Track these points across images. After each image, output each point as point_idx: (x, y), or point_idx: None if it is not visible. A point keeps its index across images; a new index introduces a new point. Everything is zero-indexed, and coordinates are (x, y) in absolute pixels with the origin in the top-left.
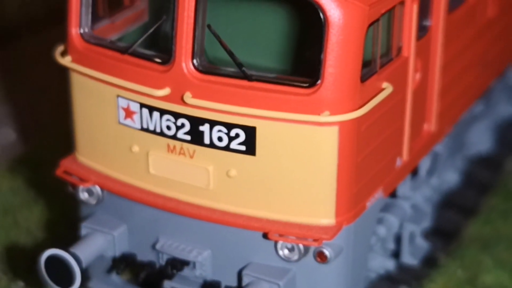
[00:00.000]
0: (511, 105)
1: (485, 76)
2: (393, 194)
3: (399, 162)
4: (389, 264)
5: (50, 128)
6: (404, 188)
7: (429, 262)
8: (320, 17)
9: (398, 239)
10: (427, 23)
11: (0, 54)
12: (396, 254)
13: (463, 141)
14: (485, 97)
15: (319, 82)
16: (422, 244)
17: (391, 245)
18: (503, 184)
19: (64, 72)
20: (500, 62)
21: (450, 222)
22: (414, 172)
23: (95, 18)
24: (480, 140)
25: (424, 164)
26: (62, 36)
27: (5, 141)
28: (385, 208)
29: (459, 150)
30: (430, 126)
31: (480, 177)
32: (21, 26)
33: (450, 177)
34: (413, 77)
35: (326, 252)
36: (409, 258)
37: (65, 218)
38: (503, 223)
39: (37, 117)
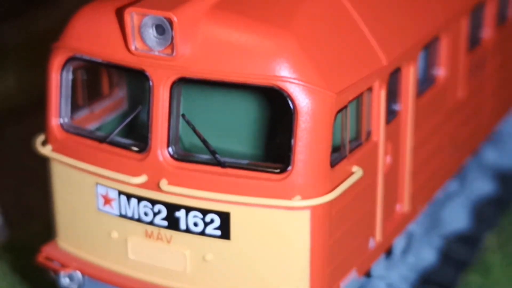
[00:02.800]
0: (485, 182)
1: (458, 155)
2: (368, 274)
3: (372, 243)
4: None
5: (36, 214)
6: (378, 267)
7: None
8: (289, 105)
9: None
10: (396, 107)
11: None
12: None
13: (439, 219)
14: (460, 175)
15: (289, 168)
16: None
17: None
18: (480, 260)
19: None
20: (473, 140)
21: None
22: (389, 252)
23: (75, 108)
24: (456, 218)
25: (399, 244)
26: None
27: None
28: None
29: (435, 228)
30: (402, 206)
31: (457, 254)
32: (6, 115)
33: (427, 255)
34: (383, 160)
35: None
36: None
37: None
38: None
39: (24, 203)
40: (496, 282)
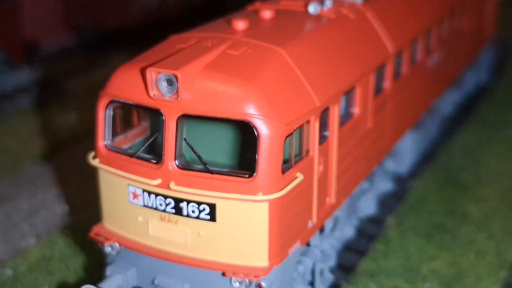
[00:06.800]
0: (387, 183)
1: (368, 165)
2: (308, 244)
3: (310, 224)
4: None
5: (91, 204)
6: (315, 240)
7: None
8: (254, 132)
9: (313, 273)
10: (326, 133)
11: (54, 163)
12: (312, 283)
13: (356, 207)
14: (370, 178)
15: (255, 174)
16: (329, 276)
17: (308, 277)
18: (384, 234)
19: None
20: (378, 155)
21: (348, 260)
22: (322, 229)
23: (114, 134)
24: (368, 206)
25: (328, 224)
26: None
27: (61, 213)
28: (303, 253)
29: (353, 213)
30: (331, 199)
31: (368, 231)
32: (70, 140)
33: (348, 231)
34: (317, 169)
35: (263, 284)
36: (321, 286)
37: (99, 263)
38: (383, 260)
39: (83, 197)
40: (393, 249)
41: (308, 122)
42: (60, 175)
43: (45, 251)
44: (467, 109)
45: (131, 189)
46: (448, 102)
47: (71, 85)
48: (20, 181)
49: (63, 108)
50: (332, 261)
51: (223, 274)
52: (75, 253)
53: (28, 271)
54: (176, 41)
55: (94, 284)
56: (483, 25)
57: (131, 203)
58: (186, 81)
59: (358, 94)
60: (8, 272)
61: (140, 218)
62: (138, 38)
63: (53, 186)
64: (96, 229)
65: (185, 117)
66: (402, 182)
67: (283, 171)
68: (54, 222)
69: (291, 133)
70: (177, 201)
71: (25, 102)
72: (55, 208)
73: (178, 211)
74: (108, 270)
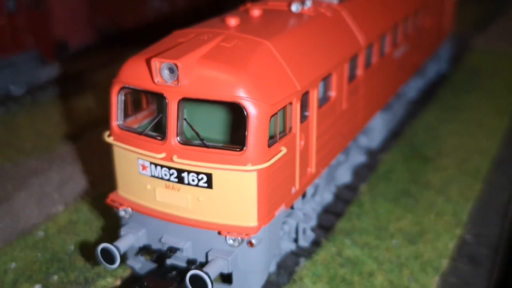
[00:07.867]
0: (360, 155)
1: (344, 140)
2: (292, 207)
3: (293, 190)
4: (292, 246)
5: (109, 176)
6: (298, 203)
7: (315, 244)
8: (244, 113)
9: (296, 232)
10: (306, 113)
11: (79, 142)
12: (295, 240)
13: (334, 176)
14: (346, 151)
15: (245, 148)
16: (310, 234)
17: (292, 235)
18: (357, 199)
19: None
20: (352, 132)
21: (327, 221)
22: (304, 195)
23: (126, 115)
24: (344, 175)
25: (309, 190)
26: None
27: (86, 184)
28: (287, 215)
29: (331, 181)
30: (311, 169)
31: (344, 196)
32: (90, 123)
33: (327, 196)
34: (299, 144)
35: (253, 241)
36: (303, 242)
37: (116, 225)
38: (357, 221)
39: (103, 170)
40: (366, 211)
41: (290, 103)
42: (84, 152)
43: (72, 216)
44: (428, 94)
45: (140, 162)
46: (413, 87)
47: (94, 78)
48: (51, 157)
49: (87, 97)
50: (313, 222)
51: (219, 233)
52: (97, 217)
53: (57, 233)
54: (178, 36)
55: (111, 243)
56: (443, 22)
57: (140, 173)
58: (185, 69)
59: (334, 80)
60: (40, 233)
61: (149, 186)
62: (152, 36)
63: (79, 162)
64: (112, 196)
65: (185, 100)
66: (373, 155)
67: (269, 145)
68: (80, 192)
69: (276, 113)
70: (179, 171)
71: (56, 92)
72: (80, 180)
73: (180, 180)
74: (122, 231)
